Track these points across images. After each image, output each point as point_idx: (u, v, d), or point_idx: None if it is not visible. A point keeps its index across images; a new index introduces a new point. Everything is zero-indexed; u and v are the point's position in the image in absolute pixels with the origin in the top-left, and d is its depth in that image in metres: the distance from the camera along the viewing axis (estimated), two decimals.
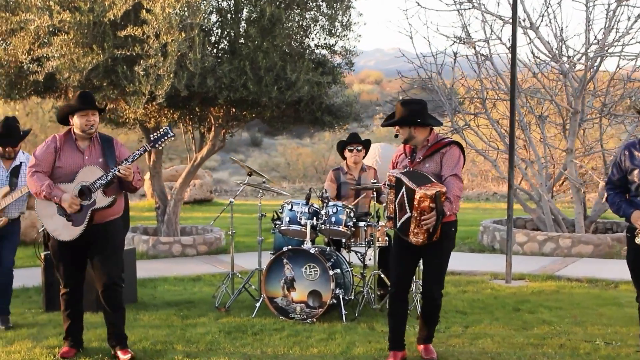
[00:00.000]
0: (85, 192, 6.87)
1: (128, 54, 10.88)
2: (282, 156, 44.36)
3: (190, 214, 21.87)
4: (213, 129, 13.85)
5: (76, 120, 6.99)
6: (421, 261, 7.27)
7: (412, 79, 15.06)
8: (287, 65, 12.27)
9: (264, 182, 9.74)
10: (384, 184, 7.13)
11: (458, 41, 14.07)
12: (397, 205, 6.80)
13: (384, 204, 9.73)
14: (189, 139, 15.22)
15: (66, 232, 6.95)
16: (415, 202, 6.48)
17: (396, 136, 7.09)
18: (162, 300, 9.83)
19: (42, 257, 9.56)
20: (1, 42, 11.74)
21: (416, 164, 6.97)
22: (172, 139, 6.83)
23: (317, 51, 13.37)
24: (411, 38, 14.52)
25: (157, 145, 6.82)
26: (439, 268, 6.92)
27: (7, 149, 8.59)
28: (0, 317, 8.73)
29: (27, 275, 11.67)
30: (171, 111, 13.19)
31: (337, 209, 9.14)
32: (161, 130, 6.82)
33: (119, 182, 6.97)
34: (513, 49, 11.38)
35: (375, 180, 9.57)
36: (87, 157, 7.00)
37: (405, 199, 6.63)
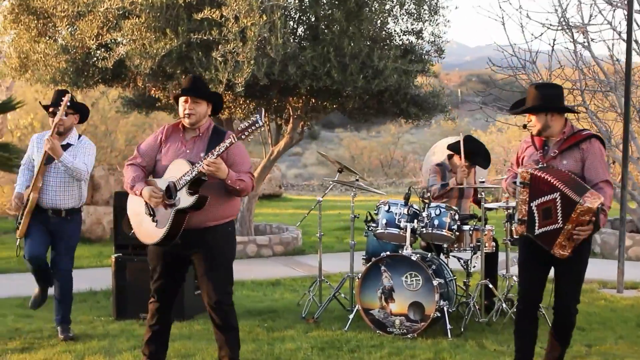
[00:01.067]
0: (171, 189, 6.04)
1: (205, 38, 10.09)
2: (346, 149, 43.35)
3: (259, 210, 21.01)
4: (291, 120, 13.03)
5: (179, 107, 6.27)
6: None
7: (501, 68, 14.01)
8: (374, 52, 11.39)
9: (357, 180, 8.88)
10: (511, 180, 6.21)
11: (560, 27, 13.00)
12: (539, 211, 5.86)
13: (483, 205, 8.99)
14: (264, 131, 14.41)
15: (150, 234, 6.16)
16: (574, 215, 5.60)
17: (525, 126, 6.18)
18: (243, 308, 9.00)
19: (114, 260, 8.75)
20: (67, 26, 11.04)
21: (550, 160, 6.07)
22: (261, 128, 5.99)
23: (403, 37, 12.47)
24: (503, 24, 13.51)
25: (244, 137, 5.98)
26: (578, 279, 6.03)
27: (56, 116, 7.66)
28: (60, 327, 7.95)
29: (95, 277, 10.99)
30: (247, 101, 12.38)
31: (440, 211, 8.26)
32: (250, 119, 5.98)
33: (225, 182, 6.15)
34: (629, 34, 10.38)
35: (482, 180, 8.66)
36: (187, 151, 6.15)
37: (559, 207, 5.70)
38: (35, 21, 11.22)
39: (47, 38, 11.29)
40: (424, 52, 12.37)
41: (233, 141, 5.81)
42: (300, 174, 45.96)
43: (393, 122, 13.58)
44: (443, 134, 42.29)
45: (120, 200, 8.85)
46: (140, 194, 6.05)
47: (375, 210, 8.51)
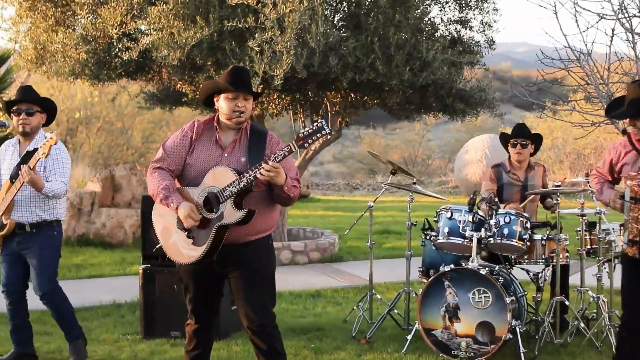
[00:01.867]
0: (212, 201, 5.22)
1: (239, 26, 9.23)
2: (367, 147, 42.35)
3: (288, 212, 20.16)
4: (329, 117, 12.12)
5: (222, 104, 5.38)
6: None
7: (553, 60, 13.08)
8: (422, 41, 10.52)
9: (414, 183, 8.00)
10: (615, 195, 5.35)
11: (615, 17, 12.06)
12: None
13: (552, 209, 8.11)
14: (298, 128, 13.52)
15: (184, 252, 5.33)
16: None
17: (624, 132, 5.31)
18: (285, 325, 8.10)
19: (141, 271, 7.92)
20: (88, 14, 10.22)
21: None
22: (329, 136, 5.13)
23: (450, 27, 11.60)
24: (555, 13, 12.57)
25: (306, 145, 5.12)
26: None
27: (21, 118, 6.70)
28: (70, 348, 6.98)
29: (118, 288, 10.14)
30: (282, 96, 11.51)
31: (510, 218, 7.37)
32: (314, 125, 5.11)
33: (269, 188, 5.32)
34: None
35: (558, 183, 7.78)
36: (226, 155, 5.35)
37: None
38: (53, 9, 10.48)
39: (66, 27, 10.56)
40: (473, 42, 11.44)
41: (293, 149, 5.00)
42: (317, 171, 45.11)
43: (418, 119, 12.64)
44: (469, 132, 41.37)
45: (148, 206, 7.91)
46: (176, 210, 5.22)
47: (435, 217, 7.63)
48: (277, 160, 5.06)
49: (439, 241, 7.51)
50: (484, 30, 11.56)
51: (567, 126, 29.26)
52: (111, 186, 13.66)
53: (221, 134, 5.40)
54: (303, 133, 5.03)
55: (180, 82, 11.56)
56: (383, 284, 10.24)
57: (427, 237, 7.86)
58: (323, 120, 5.03)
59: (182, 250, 5.31)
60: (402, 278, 10.50)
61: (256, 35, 9.16)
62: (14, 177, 6.56)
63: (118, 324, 8.43)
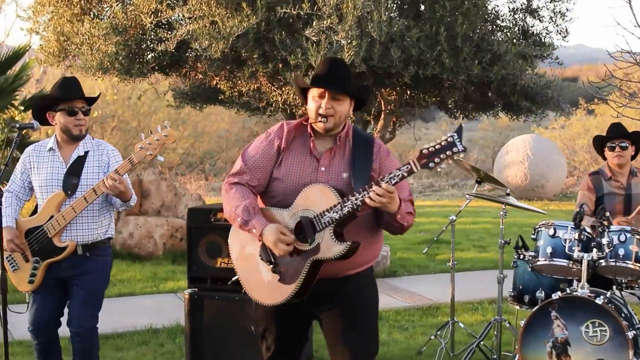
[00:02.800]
0: (305, 229, 4.19)
1: (293, 13, 8.19)
2: (393, 147, 41.19)
3: None
4: (383, 116, 11.04)
5: (309, 103, 4.42)
6: None
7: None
8: (493, 31, 9.47)
9: (507, 194, 6.93)
10: None
11: None
12: None
13: None
14: None
15: (268, 291, 4.31)
16: None
17: None
18: None
19: (187, 297, 6.87)
20: (119, 1, 9.24)
21: None
22: (460, 155, 4.07)
23: (516, 16, 10.52)
24: (629, 2, 11.46)
25: (431, 164, 4.06)
26: None
27: (77, 119, 5.62)
28: None
29: (153, 308, 9.12)
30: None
31: (625, 237, 6.28)
32: (443, 140, 4.04)
33: (376, 212, 4.31)
34: None
35: None
36: (323, 169, 4.37)
37: None
38: None
39: (93, 16, 9.69)
40: (545, 33, 10.35)
41: (415, 169, 4.01)
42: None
43: (523, 118, 11.58)
44: (496, 132, 40.23)
45: (195, 220, 6.98)
46: (260, 235, 4.19)
47: (533, 234, 6.56)
48: (393, 182, 4.05)
49: (539, 263, 6.45)
50: (556, 21, 10.41)
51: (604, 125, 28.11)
52: (139, 192, 12.63)
53: (317, 141, 4.40)
54: (428, 150, 4.01)
55: (217, 78, 10.55)
56: (446, 304, 9.17)
57: (521, 257, 6.82)
58: (455, 135, 4.00)
59: (266, 287, 4.30)
60: (471, 296, 9.52)
61: (314, 24, 8.09)
62: (69, 188, 5.50)
63: (157, 355, 7.39)
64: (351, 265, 4.27)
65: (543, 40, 10.29)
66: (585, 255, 6.18)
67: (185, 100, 12.79)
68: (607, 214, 6.43)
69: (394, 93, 10.75)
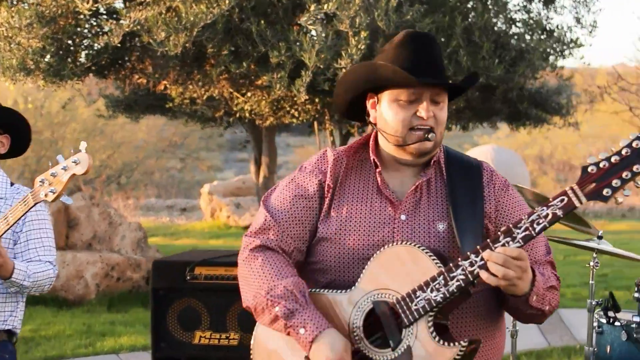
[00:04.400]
0: (383, 323, 2.74)
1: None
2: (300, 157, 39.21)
3: None
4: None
5: (387, 114, 2.88)
6: None
7: None
8: (511, 24, 7.93)
9: (599, 237, 5.19)
10: None
11: None
12: None
13: None
14: (322, 141, 10.73)
15: None
16: None
17: None
18: None
19: None
20: None
21: None
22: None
23: (532, 5, 9.04)
24: None
25: (609, 193, 2.48)
26: None
27: None
28: None
29: None
30: (315, 100, 8.69)
31: None
32: (628, 143, 2.42)
33: (496, 296, 2.90)
34: None
35: None
36: (404, 217, 2.89)
37: None
38: None
39: (12, 2, 7.79)
40: (566, 28, 8.85)
41: (577, 202, 2.63)
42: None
43: (530, 126, 10.34)
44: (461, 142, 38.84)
45: (163, 277, 5.28)
46: (311, 342, 2.73)
47: (637, 291, 4.86)
48: (523, 240, 2.64)
49: None
50: (577, 13, 8.93)
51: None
52: (65, 222, 10.69)
53: (387, 174, 2.93)
54: (600, 167, 2.62)
55: (166, 82, 8.81)
56: None
57: (611, 322, 5.10)
58: None
59: None
60: None
61: (311, 9, 6.36)
62: None
63: None
64: None
65: (564, 35, 8.74)
66: None
67: (119, 108, 11.07)
68: None
69: None
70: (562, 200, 2.59)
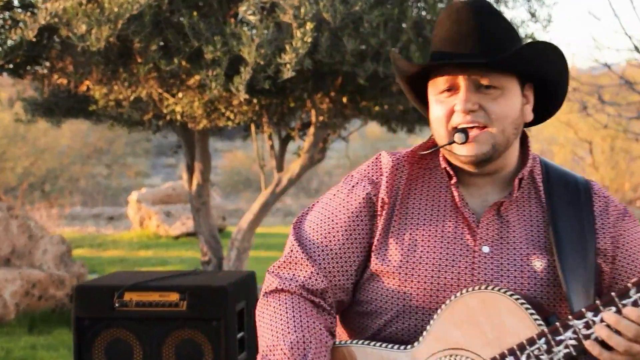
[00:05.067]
0: None
1: None
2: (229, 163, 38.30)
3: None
4: (313, 130, 8.78)
5: (430, 111, 2.25)
6: None
7: None
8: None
9: None
10: None
11: None
12: None
13: None
14: (260, 148, 10.08)
15: None
16: None
17: None
18: None
19: None
20: None
21: None
22: None
23: None
24: None
25: None
26: None
27: None
28: None
29: None
30: (254, 101, 8.10)
31: None
32: None
33: None
34: None
35: None
36: (487, 250, 2.19)
37: None
38: None
39: None
40: (520, 23, 8.47)
41: None
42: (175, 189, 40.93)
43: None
44: (367, 143, 38.59)
45: (88, 305, 4.60)
46: None
47: None
48: None
49: None
50: (530, 7, 8.52)
51: None
52: None
53: (464, 190, 2.26)
54: None
55: (89, 82, 8.19)
56: None
57: None
58: None
59: None
60: None
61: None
62: None
63: None
64: None
65: (518, 30, 8.28)
66: None
67: (39, 112, 10.36)
68: None
69: (326, 101, 8.51)
70: None
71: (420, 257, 2.19)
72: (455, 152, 2.17)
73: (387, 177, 2.25)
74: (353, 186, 2.29)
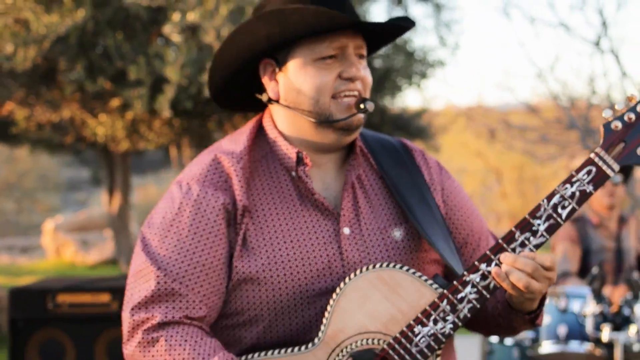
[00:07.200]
0: None
1: (147, 6, 6.19)
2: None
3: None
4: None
5: (299, 79, 2.12)
6: None
7: None
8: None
9: None
10: None
11: None
12: None
13: None
14: (181, 165, 10.30)
15: None
16: None
17: None
18: None
19: None
20: None
21: None
22: None
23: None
24: None
25: None
26: None
27: None
28: None
29: None
30: (173, 124, 8.24)
31: None
32: None
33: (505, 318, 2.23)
34: None
35: None
36: (347, 231, 2.17)
37: None
38: None
39: None
40: (428, 50, 8.84)
41: (610, 171, 2.10)
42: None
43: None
44: None
45: (22, 307, 4.81)
46: None
47: None
48: (551, 230, 2.05)
49: (545, 350, 4.65)
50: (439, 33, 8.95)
51: None
52: None
53: (318, 174, 2.20)
54: (625, 120, 2.08)
55: (10, 103, 8.27)
56: None
57: (502, 341, 4.97)
58: None
59: None
60: None
61: (173, 17, 6.05)
62: None
63: None
64: None
65: (426, 57, 8.69)
66: (620, 335, 4.47)
67: None
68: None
69: (245, 122, 8.77)
70: (589, 172, 2.04)
71: (287, 255, 2.10)
72: (341, 122, 2.10)
73: (238, 180, 2.11)
74: (197, 197, 2.11)
